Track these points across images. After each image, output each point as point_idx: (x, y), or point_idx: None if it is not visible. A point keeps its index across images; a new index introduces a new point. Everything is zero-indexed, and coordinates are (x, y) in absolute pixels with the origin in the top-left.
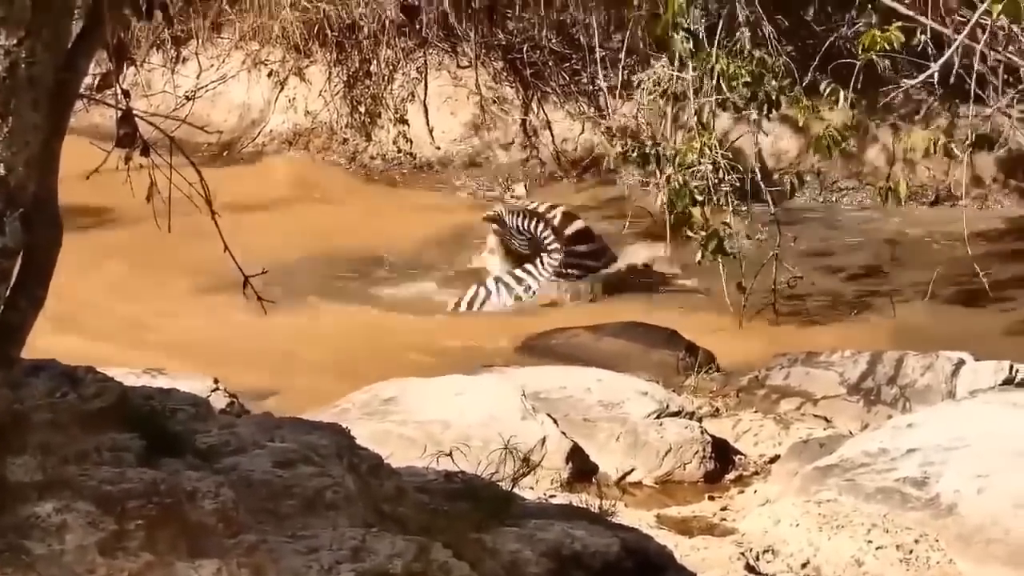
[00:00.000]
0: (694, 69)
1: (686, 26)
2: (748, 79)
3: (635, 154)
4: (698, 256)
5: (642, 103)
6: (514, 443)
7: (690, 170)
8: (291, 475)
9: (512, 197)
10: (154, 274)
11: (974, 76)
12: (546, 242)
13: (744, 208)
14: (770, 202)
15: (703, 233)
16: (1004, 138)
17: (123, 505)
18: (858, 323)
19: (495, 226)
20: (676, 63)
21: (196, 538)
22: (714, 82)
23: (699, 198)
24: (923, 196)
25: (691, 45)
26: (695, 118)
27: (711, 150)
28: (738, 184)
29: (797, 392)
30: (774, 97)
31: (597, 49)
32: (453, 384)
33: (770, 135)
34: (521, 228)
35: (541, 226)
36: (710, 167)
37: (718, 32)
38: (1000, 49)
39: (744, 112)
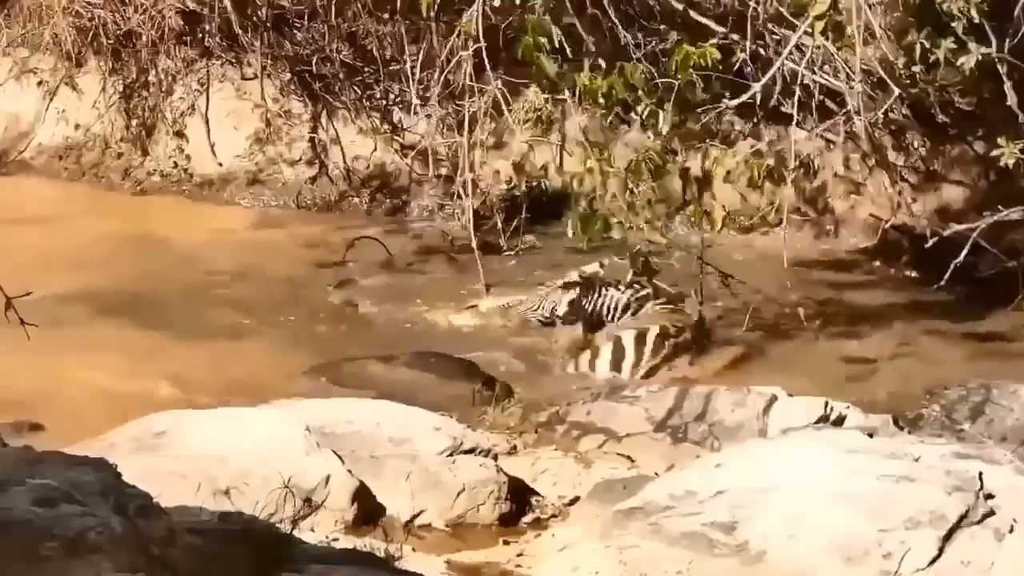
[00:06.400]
0: (566, 89)
1: (551, 45)
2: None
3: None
4: (628, 277)
5: (521, 136)
6: (296, 482)
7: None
8: (52, 515)
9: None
10: None
11: (795, 99)
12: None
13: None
14: None
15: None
16: (819, 165)
17: None
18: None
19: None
20: (544, 86)
21: None
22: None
23: (614, 219)
24: (737, 223)
25: (557, 66)
26: (584, 138)
27: (608, 167)
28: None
29: (600, 429)
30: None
31: (392, 62)
32: (231, 417)
33: None
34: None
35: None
36: (617, 185)
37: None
38: (817, 71)
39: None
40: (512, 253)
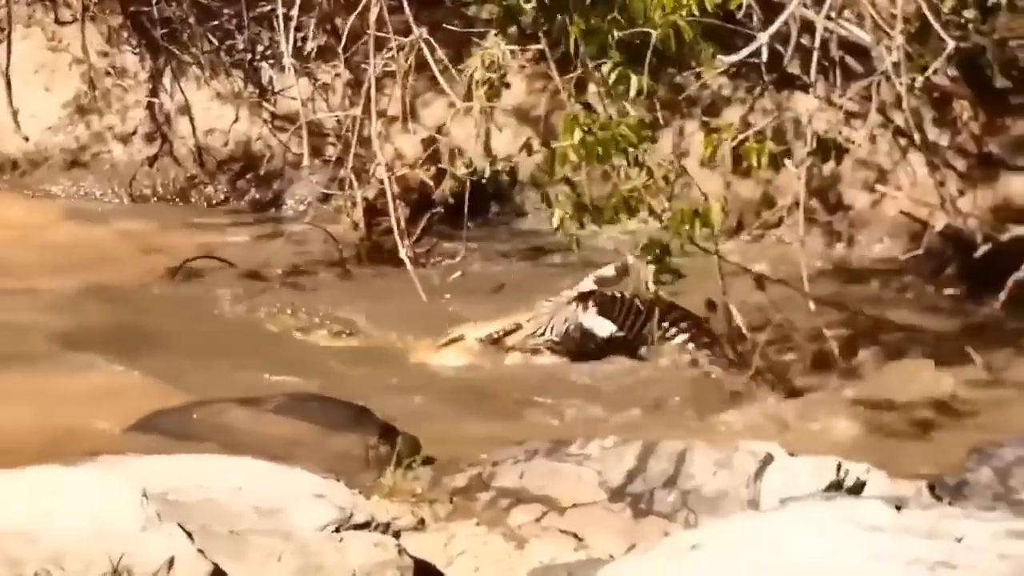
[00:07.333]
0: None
1: None
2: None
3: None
4: (650, 280)
5: (458, 105)
6: (128, 564)
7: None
8: None
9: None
10: None
11: (814, 57)
12: None
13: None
14: None
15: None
16: (852, 142)
17: None
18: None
19: None
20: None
21: None
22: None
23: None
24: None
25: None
26: (572, 101)
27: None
28: None
29: (537, 497)
30: None
31: (261, 2)
32: (41, 479)
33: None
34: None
35: None
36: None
37: None
38: (835, 17)
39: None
40: (455, 260)
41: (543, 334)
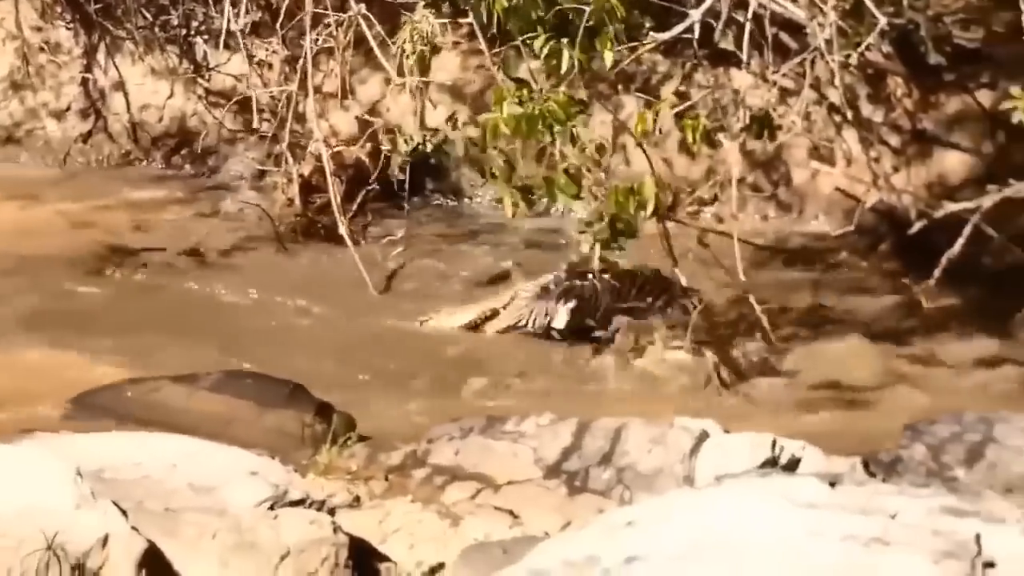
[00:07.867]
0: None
1: None
2: None
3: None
4: (596, 256)
5: (394, 80)
6: (62, 542)
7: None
8: None
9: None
10: None
11: (746, 33)
12: None
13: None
14: None
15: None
16: (791, 120)
17: None
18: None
19: None
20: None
21: None
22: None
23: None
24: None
25: None
26: (501, 77)
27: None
28: None
29: (472, 474)
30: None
31: None
32: None
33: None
34: None
35: None
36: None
37: None
38: None
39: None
40: (396, 237)
41: (524, 325)
